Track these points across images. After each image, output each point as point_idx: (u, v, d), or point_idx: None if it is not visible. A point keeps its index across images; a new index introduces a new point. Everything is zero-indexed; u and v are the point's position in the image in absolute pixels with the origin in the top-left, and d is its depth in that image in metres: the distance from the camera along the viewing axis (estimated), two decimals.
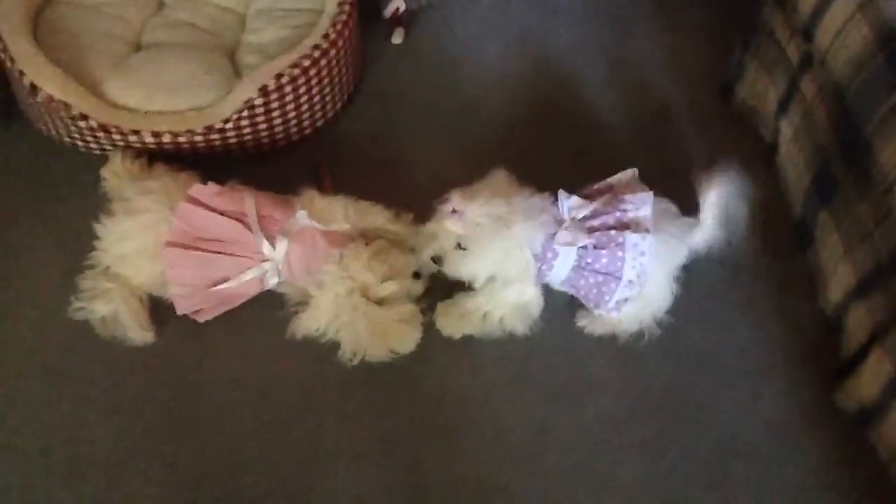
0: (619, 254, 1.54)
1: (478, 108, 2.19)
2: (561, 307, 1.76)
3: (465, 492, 1.55)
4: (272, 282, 1.65)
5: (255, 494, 1.53)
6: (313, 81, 1.90)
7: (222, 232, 1.61)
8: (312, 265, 1.61)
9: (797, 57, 1.88)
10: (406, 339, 1.63)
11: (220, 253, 1.60)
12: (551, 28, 2.43)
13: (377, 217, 1.71)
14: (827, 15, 1.72)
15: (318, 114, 2.00)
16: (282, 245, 1.61)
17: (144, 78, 1.90)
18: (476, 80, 2.26)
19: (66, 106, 1.77)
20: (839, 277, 1.71)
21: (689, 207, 1.63)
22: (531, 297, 1.63)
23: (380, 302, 1.60)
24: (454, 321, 1.69)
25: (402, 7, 2.28)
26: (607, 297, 1.58)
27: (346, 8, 1.98)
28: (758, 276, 1.88)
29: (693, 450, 1.62)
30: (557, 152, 2.09)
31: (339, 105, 2.08)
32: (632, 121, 2.19)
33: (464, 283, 1.63)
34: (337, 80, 2.00)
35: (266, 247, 1.61)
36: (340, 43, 1.94)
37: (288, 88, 1.85)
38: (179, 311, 1.62)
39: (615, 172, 1.73)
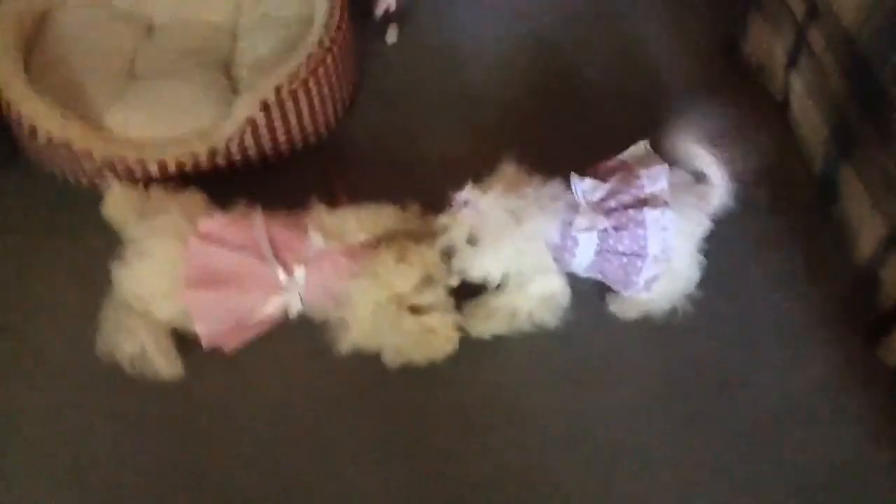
0: (641, 232, 1.50)
1: (479, 95, 2.16)
2: (590, 294, 1.73)
3: (507, 482, 1.53)
4: (296, 309, 1.62)
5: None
6: (313, 91, 1.88)
7: (238, 267, 1.58)
8: (335, 286, 1.59)
9: (803, 8, 1.83)
10: (442, 348, 1.60)
11: (240, 288, 1.58)
12: (545, 4, 2.39)
13: (389, 217, 1.68)
14: None
15: (322, 122, 1.97)
16: (300, 272, 1.58)
17: (143, 105, 1.88)
18: (474, 68, 2.23)
19: (68, 144, 1.75)
20: (869, 230, 1.67)
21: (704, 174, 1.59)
22: (556, 288, 1.60)
23: (416, 308, 1.57)
24: (482, 321, 1.66)
25: (393, 5, 2.25)
26: (635, 278, 1.55)
27: (338, 13, 1.95)
28: (784, 238, 1.84)
29: (737, 420, 1.59)
30: (565, 132, 2.05)
31: (340, 110, 2.05)
32: (637, 91, 2.15)
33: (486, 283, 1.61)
34: (336, 85, 1.97)
35: (283, 276, 1.58)
36: (336, 49, 1.91)
37: (288, 101, 1.83)
38: (206, 346, 1.60)
39: (625, 147, 1.69)
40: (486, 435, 1.59)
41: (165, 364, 1.59)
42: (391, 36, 2.29)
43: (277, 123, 1.84)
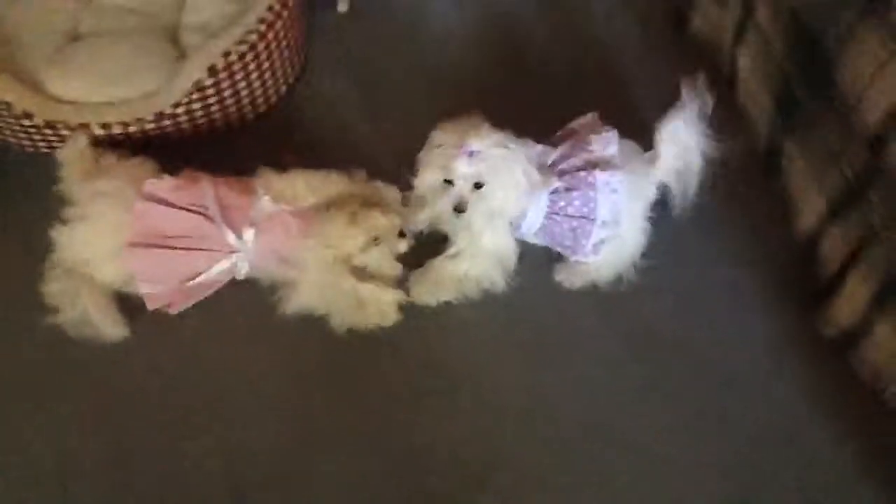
0: (591, 194, 1.52)
1: (429, 67, 2.16)
2: (538, 265, 1.74)
3: (467, 453, 1.54)
4: (243, 271, 1.61)
5: (254, 482, 1.50)
6: (262, 56, 1.85)
7: (186, 228, 1.56)
8: (286, 249, 1.58)
9: None
10: (377, 320, 1.61)
11: (187, 249, 1.56)
12: None
13: (338, 182, 1.67)
14: None
15: (271, 90, 1.95)
16: (249, 234, 1.57)
17: (85, 68, 1.83)
18: (424, 39, 2.23)
19: (8, 105, 1.70)
20: (810, 203, 1.71)
21: (649, 145, 1.62)
22: (507, 245, 1.61)
23: (362, 270, 1.57)
24: (429, 288, 1.66)
25: None
26: (584, 241, 1.57)
27: None
28: (728, 210, 1.87)
29: (691, 382, 1.63)
30: (515, 102, 2.05)
31: (290, 79, 2.03)
32: (586, 62, 2.17)
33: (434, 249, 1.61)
34: (287, 53, 1.95)
35: (233, 238, 1.57)
36: (286, 14, 1.88)
37: (237, 66, 1.80)
38: (150, 307, 1.58)
39: (576, 118, 1.72)
40: (442, 405, 1.60)
41: (108, 326, 1.57)
42: (342, 5, 2.26)
43: (226, 87, 1.81)
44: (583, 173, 1.53)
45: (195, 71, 1.77)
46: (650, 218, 1.65)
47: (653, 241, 1.67)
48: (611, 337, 1.68)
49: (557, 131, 1.72)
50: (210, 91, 1.78)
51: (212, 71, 1.76)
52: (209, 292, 1.62)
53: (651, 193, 1.60)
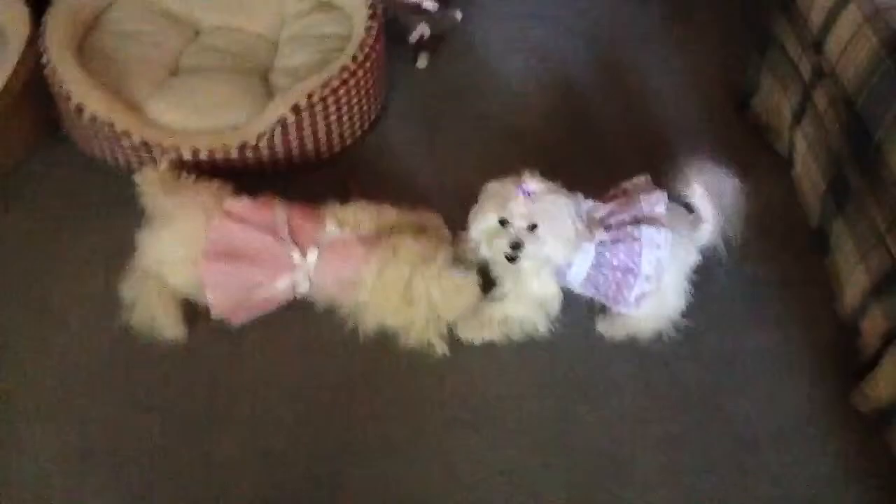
0: (636, 247, 1.59)
1: (496, 124, 2.28)
2: (581, 314, 1.81)
3: (494, 480, 1.60)
4: (303, 288, 1.72)
5: (288, 488, 1.58)
6: (342, 101, 2.00)
7: (256, 244, 1.69)
8: (345, 272, 1.69)
9: (809, 70, 1.94)
10: (470, 299, 1.72)
11: (253, 263, 1.68)
12: (570, 47, 2.53)
13: (399, 214, 1.81)
14: (836, 27, 1.79)
15: (347, 132, 2.09)
16: (312, 255, 1.69)
17: (183, 99, 2.01)
18: (497, 99, 2.35)
19: (110, 124, 1.88)
20: (855, 281, 1.75)
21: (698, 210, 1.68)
22: (552, 292, 1.68)
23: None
24: (475, 326, 1.75)
25: (427, 33, 2.38)
26: (626, 293, 1.63)
27: (373, 32, 2.08)
28: (777, 284, 1.91)
29: (714, 445, 1.65)
30: (576, 166, 2.15)
31: (366, 125, 2.17)
32: (647, 135, 2.26)
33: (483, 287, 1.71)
34: (365, 100, 2.09)
35: (297, 256, 1.69)
36: (368, 65, 2.04)
37: (318, 107, 1.95)
38: (214, 315, 1.70)
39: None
40: (477, 435, 1.66)
41: (170, 327, 1.69)
42: (422, 62, 2.42)
43: (306, 126, 1.96)
44: (630, 227, 1.60)
45: (280, 108, 1.93)
46: (693, 281, 1.70)
47: (694, 303, 1.72)
48: (643, 391, 1.73)
49: (607, 189, 1.80)
50: (291, 127, 1.94)
51: (295, 109, 1.92)
52: (270, 308, 1.73)
53: (694, 256, 1.66)
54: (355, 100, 2.05)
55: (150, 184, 1.79)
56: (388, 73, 2.29)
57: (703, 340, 1.78)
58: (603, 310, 1.77)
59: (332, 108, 1.99)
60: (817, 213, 1.93)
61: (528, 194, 1.57)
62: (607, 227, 1.63)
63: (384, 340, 1.76)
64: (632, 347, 1.76)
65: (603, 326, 1.78)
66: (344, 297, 1.72)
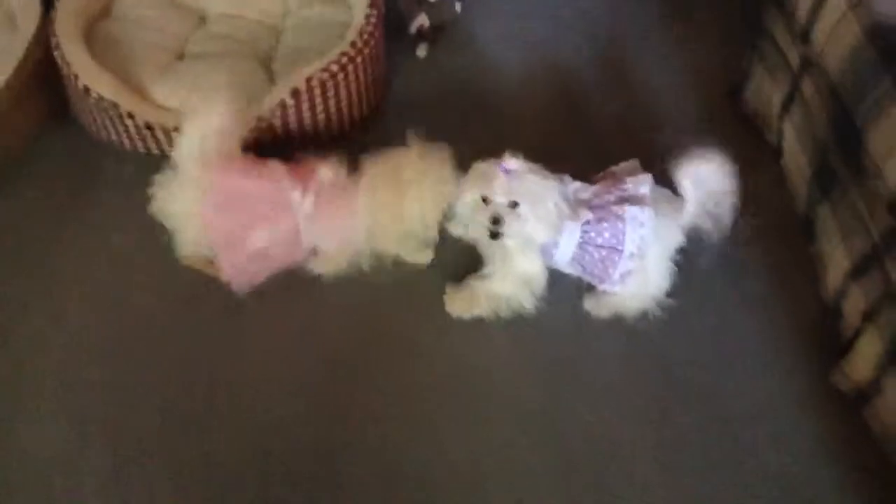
0: (620, 226, 1.63)
1: (495, 116, 2.32)
2: (569, 293, 1.85)
3: (483, 450, 1.66)
4: (306, 233, 1.77)
5: (286, 457, 1.64)
6: (341, 86, 2.05)
7: (256, 192, 1.76)
8: (341, 209, 1.76)
9: (797, 60, 1.98)
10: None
11: (255, 210, 1.75)
12: (569, 43, 2.57)
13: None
14: (821, 17, 1.83)
15: (346, 117, 2.14)
16: (309, 198, 1.74)
17: (187, 83, 2.07)
18: (494, 91, 2.40)
19: (115, 105, 1.94)
20: (837, 263, 1.79)
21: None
22: (537, 270, 1.73)
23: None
24: (463, 302, 1.80)
25: (427, 23, 2.43)
26: (611, 270, 1.67)
27: (373, 20, 2.13)
28: (762, 269, 1.96)
29: (698, 420, 1.70)
30: (570, 153, 2.20)
31: (365, 111, 2.22)
32: (641, 122, 2.31)
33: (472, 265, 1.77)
34: (364, 86, 2.15)
35: (297, 195, 1.75)
36: (366, 51, 2.09)
37: (317, 91, 2.00)
38: (224, 277, 1.76)
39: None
40: (465, 406, 1.72)
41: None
42: (421, 51, 2.48)
43: (305, 110, 2.02)
44: (614, 207, 1.65)
45: (281, 92, 1.98)
46: (679, 262, 1.74)
47: (680, 283, 1.76)
48: (628, 368, 1.78)
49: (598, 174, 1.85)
50: (291, 109, 1.99)
51: (294, 93, 1.97)
52: (276, 266, 1.80)
53: (677, 236, 1.70)
54: (354, 85, 2.10)
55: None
56: (387, 62, 2.34)
57: (688, 320, 1.83)
58: (590, 288, 1.82)
59: (331, 94, 2.04)
60: (804, 200, 1.98)
61: (507, 172, 1.62)
62: (594, 207, 1.67)
63: (379, 324, 1.84)
64: (619, 326, 1.81)
65: (589, 304, 1.83)
66: (343, 237, 1.78)
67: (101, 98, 1.94)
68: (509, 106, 2.36)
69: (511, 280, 1.73)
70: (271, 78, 2.17)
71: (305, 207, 1.74)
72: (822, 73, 1.84)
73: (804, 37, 1.91)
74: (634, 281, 1.69)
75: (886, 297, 1.59)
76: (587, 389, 1.74)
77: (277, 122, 2.00)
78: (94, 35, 2.14)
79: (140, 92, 2.04)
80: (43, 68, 2.08)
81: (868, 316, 1.65)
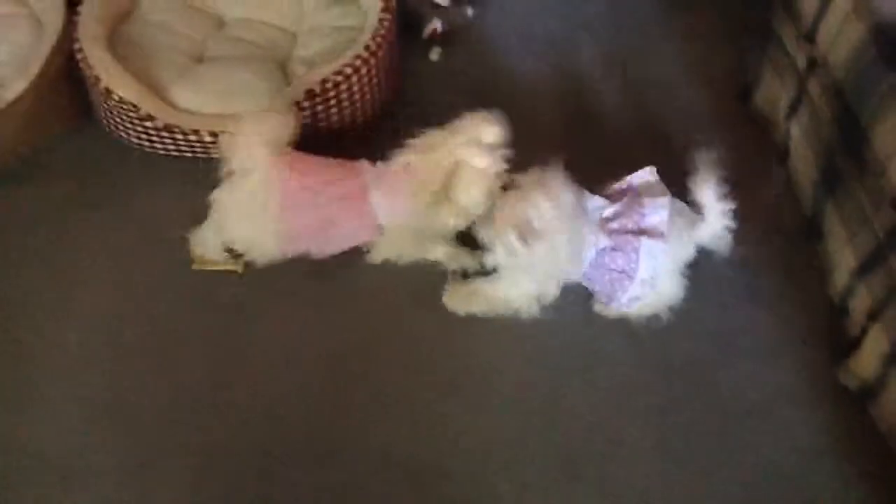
0: (634, 256, 1.66)
1: (507, 117, 2.34)
2: (574, 292, 1.86)
3: (489, 444, 1.69)
4: (375, 201, 1.82)
5: (290, 448, 1.68)
6: (355, 87, 2.10)
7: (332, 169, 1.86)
8: (399, 189, 1.81)
9: (804, 61, 2.00)
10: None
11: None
12: (580, 40, 2.61)
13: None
14: (826, 18, 1.85)
15: (360, 118, 2.19)
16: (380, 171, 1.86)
17: (206, 86, 2.13)
18: (505, 91, 2.44)
19: (136, 107, 1.99)
20: (844, 262, 1.81)
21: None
22: (551, 293, 1.75)
23: None
24: (461, 298, 1.84)
25: (440, 27, 2.48)
26: (620, 294, 1.70)
27: (386, 24, 2.18)
28: (770, 268, 1.98)
29: (701, 416, 1.72)
30: (584, 154, 2.18)
31: (378, 112, 2.27)
32: (653, 124, 2.33)
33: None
34: (377, 88, 2.19)
35: (368, 166, 1.87)
36: (380, 54, 2.14)
37: (332, 93, 2.05)
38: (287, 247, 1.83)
39: (631, 169, 1.86)
40: (471, 401, 1.75)
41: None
42: (434, 55, 2.52)
43: (320, 111, 2.06)
44: (631, 237, 1.66)
45: (297, 93, 2.03)
46: (690, 264, 1.77)
47: (689, 283, 1.78)
48: (633, 363, 1.80)
49: (614, 179, 1.86)
50: (307, 112, 2.04)
51: (309, 94, 2.02)
52: (348, 244, 1.88)
53: (690, 252, 1.73)
54: (367, 88, 2.14)
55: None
56: (401, 65, 2.39)
57: (694, 318, 1.84)
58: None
59: (345, 95, 2.09)
60: (811, 201, 1.99)
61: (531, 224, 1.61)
62: (611, 231, 1.69)
63: (381, 324, 1.88)
64: (624, 324, 1.83)
65: (598, 306, 1.85)
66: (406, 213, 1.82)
67: (122, 100, 1.99)
68: (521, 108, 2.36)
69: (520, 289, 1.75)
70: (288, 81, 2.22)
71: (376, 180, 1.81)
72: (828, 73, 1.86)
73: (810, 38, 1.93)
74: (644, 303, 1.72)
75: (892, 294, 1.61)
76: (586, 383, 1.77)
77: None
78: (116, 38, 2.20)
79: (160, 94, 2.09)
80: (68, 69, 2.14)
81: (874, 313, 1.67)
